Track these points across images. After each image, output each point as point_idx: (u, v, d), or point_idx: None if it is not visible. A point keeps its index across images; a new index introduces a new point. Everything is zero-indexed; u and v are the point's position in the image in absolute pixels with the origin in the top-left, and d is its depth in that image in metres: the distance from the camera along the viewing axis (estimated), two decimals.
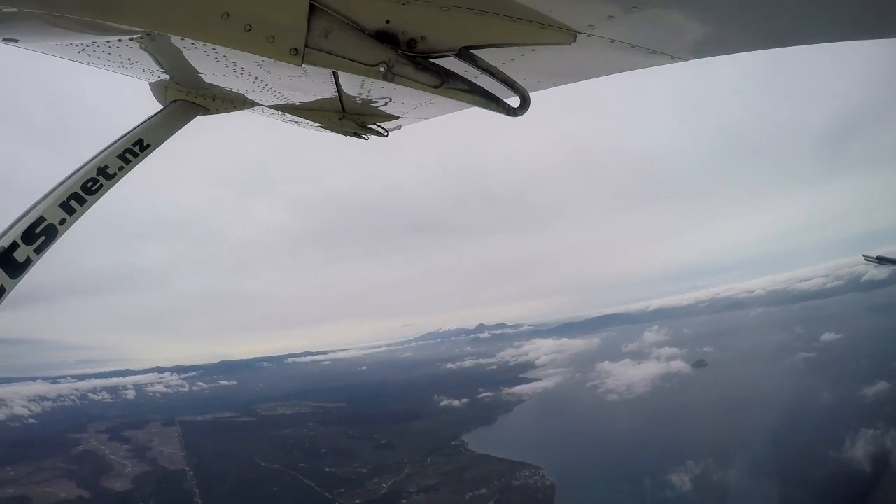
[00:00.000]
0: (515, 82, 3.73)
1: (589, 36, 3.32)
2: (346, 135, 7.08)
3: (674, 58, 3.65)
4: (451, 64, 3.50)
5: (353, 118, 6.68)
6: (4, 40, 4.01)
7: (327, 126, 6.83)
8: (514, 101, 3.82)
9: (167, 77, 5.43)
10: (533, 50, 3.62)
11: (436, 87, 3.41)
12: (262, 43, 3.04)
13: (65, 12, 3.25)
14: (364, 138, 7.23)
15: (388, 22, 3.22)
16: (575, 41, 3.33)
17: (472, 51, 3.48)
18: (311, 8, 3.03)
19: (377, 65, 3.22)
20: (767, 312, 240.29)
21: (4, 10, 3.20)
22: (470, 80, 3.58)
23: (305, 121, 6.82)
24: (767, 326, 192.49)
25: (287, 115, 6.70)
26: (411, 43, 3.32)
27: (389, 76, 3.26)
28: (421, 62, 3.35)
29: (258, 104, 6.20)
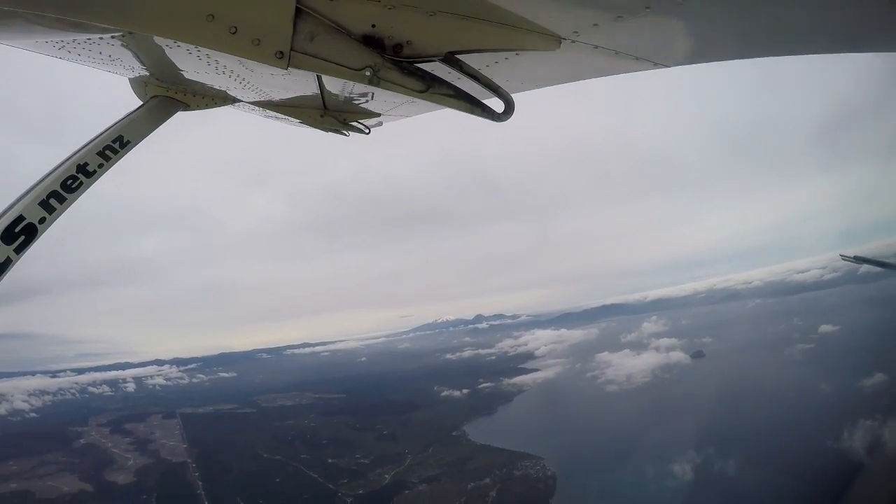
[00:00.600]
0: (500, 87, 3.76)
1: (573, 42, 3.36)
2: (327, 131, 7.03)
3: (656, 64, 3.72)
4: (437, 68, 3.52)
5: (335, 115, 6.67)
6: None
7: (308, 122, 6.80)
8: (498, 106, 3.84)
9: (147, 73, 5.36)
10: (517, 54, 3.64)
11: (421, 91, 3.42)
12: (247, 46, 3.03)
13: (47, 11, 3.17)
14: (345, 135, 7.23)
15: (374, 26, 3.24)
16: (559, 47, 3.38)
17: (457, 55, 3.51)
18: (297, 11, 3.02)
19: (363, 69, 3.24)
20: (765, 303, 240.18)
21: None
22: (455, 86, 3.60)
23: (286, 117, 6.79)
24: (765, 317, 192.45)
25: (268, 111, 6.66)
26: (397, 47, 3.34)
27: (375, 80, 3.28)
28: (407, 67, 3.37)
29: (239, 100, 6.13)
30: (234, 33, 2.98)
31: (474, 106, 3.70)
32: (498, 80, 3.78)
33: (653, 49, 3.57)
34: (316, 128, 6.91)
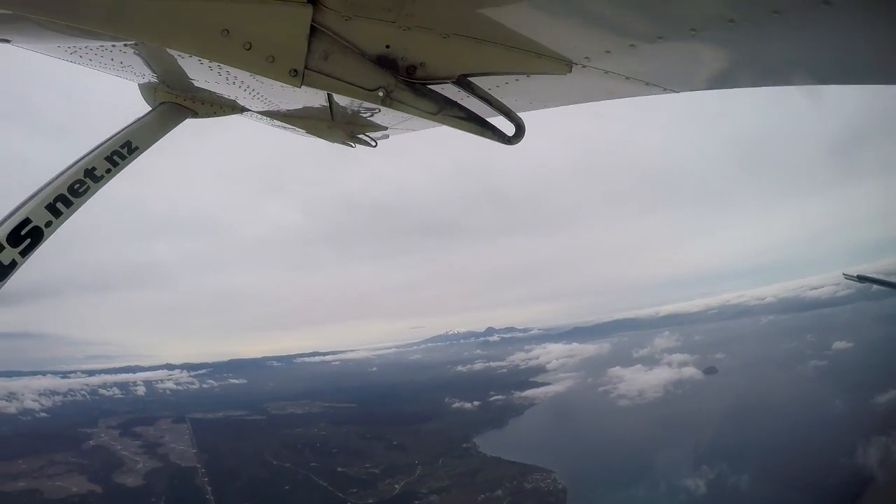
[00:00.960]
0: (511, 111, 3.84)
1: (585, 67, 3.43)
2: (333, 142, 7.13)
3: (666, 89, 3.81)
4: (447, 89, 3.62)
5: (342, 127, 6.77)
6: None
7: (315, 133, 6.91)
8: (508, 129, 3.92)
9: (157, 80, 5.46)
10: (528, 76, 3.69)
11: (434, 113, 3.53)
12: (261, 62, 3.08)
13: (62, 19, 3.21)
14: (351, 146, 7.31)
15: (388, 47, 3.29)
16: (571, 71, 3.46)
17: (469, 78, 3.60)
18: (312, 29, 3.07)
19: (376, 89, 3.32)
20: (778, 320, 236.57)
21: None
22: (467, 108, 3.69)
23: (293, 127, 6.88)
24: (778, 334, 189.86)
25: (275, 121, 6.75)
26: (410, 69, 3.40)
27: (388, 101, 3.36)
28: (420, 88, 3.45)
29: (248, 110, 6.21)
30: (248, 50, 3.05)
31: (485, 129, 3.79)
32: (507, 101, 3.89)
33: (664, 76, 3.67)
34: (323, 138, 7.04)
